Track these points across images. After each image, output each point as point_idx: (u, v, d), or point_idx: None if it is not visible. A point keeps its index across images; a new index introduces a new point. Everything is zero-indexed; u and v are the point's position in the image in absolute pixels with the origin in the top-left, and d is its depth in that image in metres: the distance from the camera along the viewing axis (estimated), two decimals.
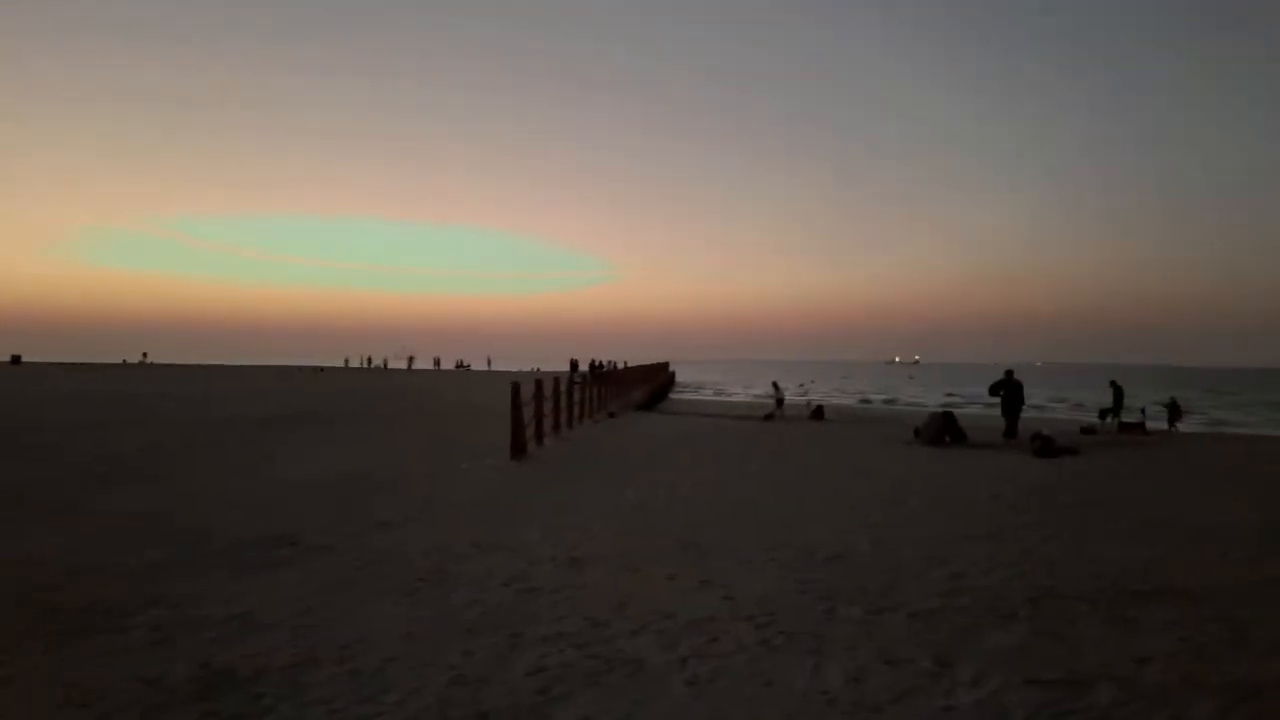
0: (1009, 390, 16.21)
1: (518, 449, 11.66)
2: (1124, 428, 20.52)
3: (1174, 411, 21.31)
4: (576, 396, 18.08)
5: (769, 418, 24.06)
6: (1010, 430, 15.96)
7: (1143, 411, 22.09)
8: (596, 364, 41.45)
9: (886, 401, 46.80)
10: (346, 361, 77.17)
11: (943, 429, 14.86)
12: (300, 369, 65.96)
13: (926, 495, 9.04)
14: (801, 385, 71.44)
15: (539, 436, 13.45)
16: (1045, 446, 12.80)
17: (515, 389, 11.80)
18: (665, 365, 71.05)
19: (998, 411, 16.92)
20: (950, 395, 49.04)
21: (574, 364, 37.78)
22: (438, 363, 74.06)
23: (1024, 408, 16.55)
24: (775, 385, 27.83)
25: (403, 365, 75.50)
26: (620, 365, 40.31)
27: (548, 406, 15.01)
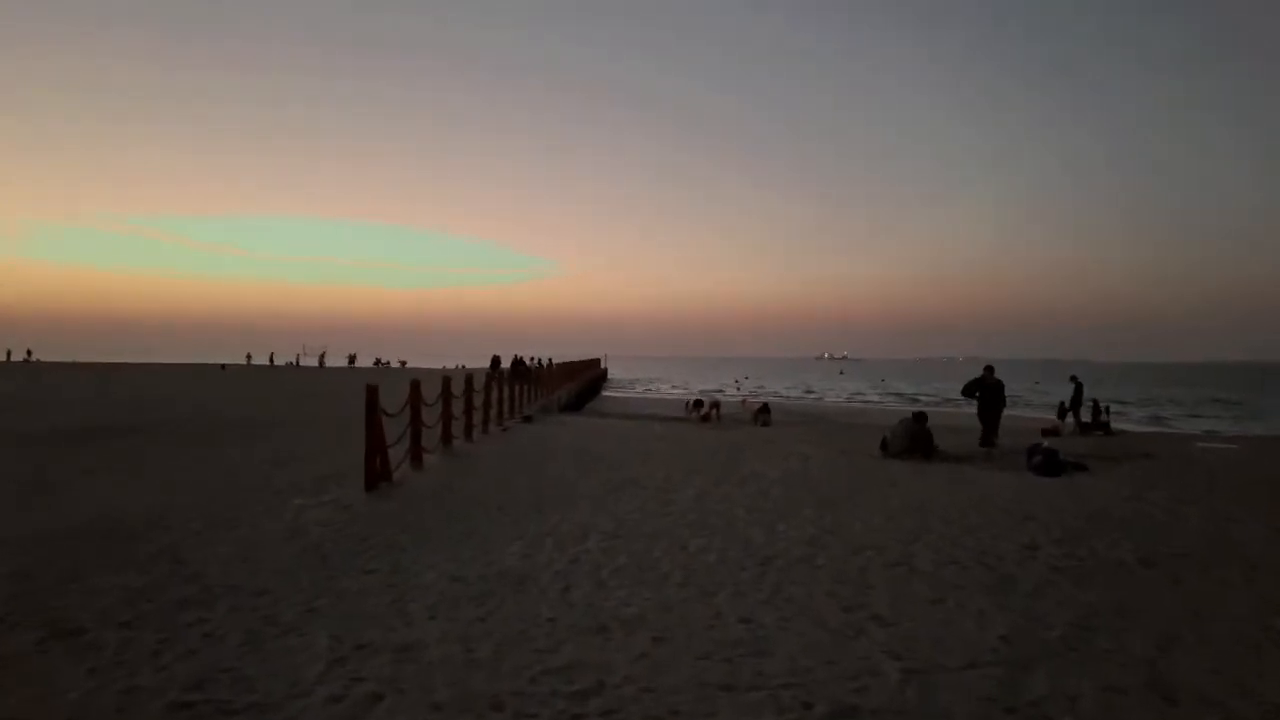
0: (987, 391, 13.80)
1: (374, 478, 8.59)
2: (1085, 428, 19.38)
3: (1097, 411, 20.44)
4: (478, 401, 15.01)
5: (705, 419, 21.54)
6: (988, 438, 13.65)
7: (1106, 410, 20.66)
8: (520, 361, 38.15)
9: (816, 398, 47.87)
10: (248, 358, 71.59)
11: (915, 440, 12.30)
12: (205, 366, 60.88)
13: (939, 549, 6.37)
14: (735, 381, 69.78)
15: (415, 455, 10.41)
16: (1049, 462, 10.34)
17: (371, 395, 8.70)
18: (596, 362, 68.09)
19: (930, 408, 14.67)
20: (891, 393, 48.17)
21: (495, 360, 34.34)
22: (352, 360, 69.09)
23: (1004, 411, 14.25)
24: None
25: (314, 363, 70.34)
26: (547, 361, 37.14)
27: (436, 414, 11.96)
